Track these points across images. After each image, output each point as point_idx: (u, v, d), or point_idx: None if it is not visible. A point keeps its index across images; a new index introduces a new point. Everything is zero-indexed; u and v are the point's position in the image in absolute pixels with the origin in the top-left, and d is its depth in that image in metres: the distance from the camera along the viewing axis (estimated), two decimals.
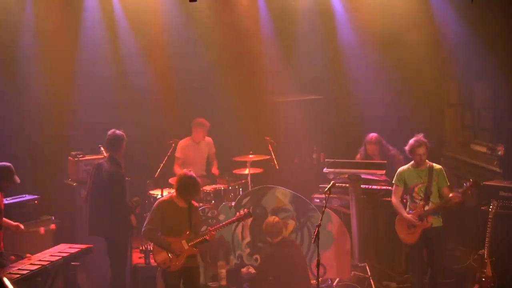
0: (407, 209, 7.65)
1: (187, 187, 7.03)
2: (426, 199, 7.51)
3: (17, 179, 7.24)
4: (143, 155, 9.90)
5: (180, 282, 7.09)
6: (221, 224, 7.56)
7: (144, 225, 7.05)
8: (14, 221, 7.49)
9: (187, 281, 7.12)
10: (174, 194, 7.13)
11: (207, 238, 7.13)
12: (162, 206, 7.06)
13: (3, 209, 7.27)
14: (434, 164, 7.58)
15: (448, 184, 7.58)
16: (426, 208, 7.51)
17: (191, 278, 7.14)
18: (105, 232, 7.75)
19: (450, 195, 7.43)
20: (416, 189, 7.57)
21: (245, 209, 7.81)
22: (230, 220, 7.61)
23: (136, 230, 8.03)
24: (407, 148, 7.60)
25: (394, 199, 7.73)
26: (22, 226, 7.47)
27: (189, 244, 7.02)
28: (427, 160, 7.58)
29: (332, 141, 10.49)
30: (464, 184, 7.50)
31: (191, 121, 9.84)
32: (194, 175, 7.21)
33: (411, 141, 7.55)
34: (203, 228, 8.60)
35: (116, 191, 7.65)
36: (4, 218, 7.38)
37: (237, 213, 7.78)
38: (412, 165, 7.64)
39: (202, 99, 10.48)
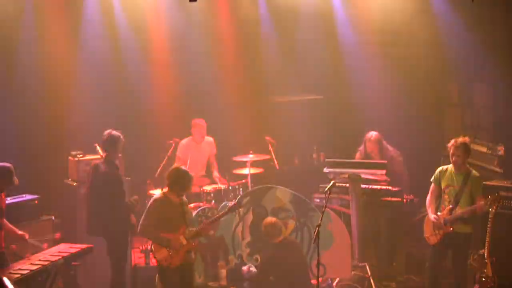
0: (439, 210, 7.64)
1: (180, 181, 7.08)
2: (455, 203, 7.45)
3: (16, 180, 7.21)
4: (143, 155, 9.91)
5: (177, 279, 7.11)
6: (214, 217, 7.55)
7: (140, 223, 7.08)
8: (14, 221, 7.49)
9: (184, 277, 7.16)
10: (167, 190, 7.17)
11: (203, 230, 7.21)
12: (157, 203, 7.09)
13: (4, 209, 7.27)
14: (473, 171, 7.47)
15: (481, 194, 7.42)
16: (453, 212, 7.45)
17: (188, 274, 7.20)
18: (104, 233, 7.76)
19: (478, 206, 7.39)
20: (447, 191, 7.52)
21: (234, 201, 7.79)
22: (222, 213, 7.61)
23: (136, 229, 8.03)
24: (449, 144, 7.55)
25: (428, 197, 7.70)
26: (26, 236, 7.45)
27: (187, 239, 7.04)
28: (468, 166, 7.49)
29: (332, 141, 10.49)
30: (489, 196, 7.46)
31: (191, 121, 9.84)
32: (185, 168, 7.26)
33: (453, 139, 7.50)
34: None
35: (113, 192, 7.65)
36: (10, 225, 7.38)
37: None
38: (452, 166, 7.57)
39: (202, 99, 10.49)
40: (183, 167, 7.32)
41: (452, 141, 7.47)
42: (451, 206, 7.47)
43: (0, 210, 7.17)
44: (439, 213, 7.57)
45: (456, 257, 7.53)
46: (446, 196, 7.55)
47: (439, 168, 7.68)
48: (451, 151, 7.47)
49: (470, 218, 7.43)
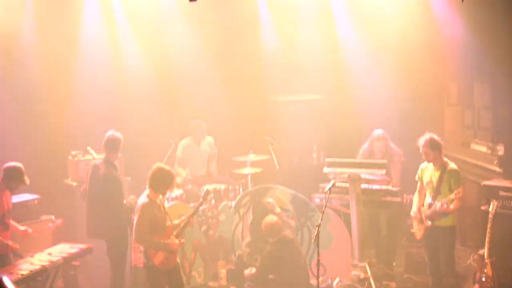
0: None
1: (165, 180, 6.98)
2: (434, 198, 7.52)
3: (27, 180, 7.26)
4: (143, 155, 9.90)
5: (167, 280, 7.10)
6: (193, 210, 7.47)
7: (136, 231, 6.92)
8: (15, 221, 7.49)
9: (175, 277, 7.16)
10: (150, 191, 6.99)
11: (190, 224, 7.26)
12: (147, 208, 6.92)
13: (11, 209, 7.29)
14: (450, 165, 7.49)
15: (461, 186, 7.42)
16: (432, 207, 7.52)
17: (178, 274, 7.20)
18: (103, 234, 7.76)
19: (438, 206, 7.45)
20: (427, 186, 7.60)
21: (204, 192, 7.76)
22: (198, 204, 7.53)
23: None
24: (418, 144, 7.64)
25: (415, 193, 7.81)
26: (29, 231, 7.47)
27: (178, 238, 7.06)
28: (444, 159, 7.53)
29: (332, 141, 10.49)
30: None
31: (191, 121, 9.84)
32: (165, 165, 7.20)
33: (420, 138, 7.56)
34: (203, 228, 8.65)
35: (112, 193, 7.65)
36: (12, 221, 7.40)
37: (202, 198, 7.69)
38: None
39: (202, 98, 10.49)
40: (166, 166, 7.22)
41: (418, 142, 7.52)
42: (430, 201, 7.52)
43: (8, 210, 7.21)
44: (422, 209, 7.64)
45: (439, 250, 7.56)
46: (428, 192, 7.63)
47: (420, 166, 7.76)
48: (420, 151, 7.53)
49: (449, 212, 7.44)
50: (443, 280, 7.61)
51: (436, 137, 7.52)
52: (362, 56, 10.26)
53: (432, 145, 7.46)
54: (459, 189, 7.33)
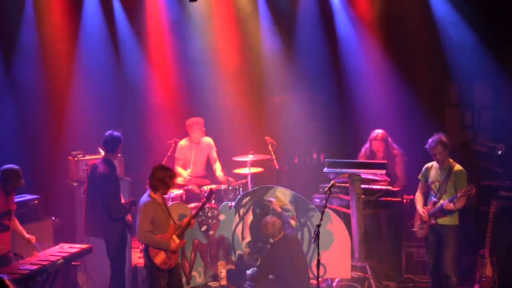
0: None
1: (164, 180, 7.00)
2: (439, 197, 7.55)
3: (23, 183, 7.26)
4: (143, 155, 9.90)
5: (167, 280, 7.12)
6: (196, 211, 7.50)
7: (139, 230, 6.95)
8: (22, 227, 7.51)
9: (175, 279, 7.18)
10: (151, 191, 7.04)
11: (190, 226, 7.25)
12: (149, 207, 6.97)
13: (12, 210, 7.30)
14: (456, 165, 7.58)
15: (469, 184, 7.47)
16: (436, 206, 7.55)
17: (178, 274, 7.24)
18: (100, 233, 7.75)
19: (444, 204, 7.47)
20: (432, 186, 7.64)
21: (207, 191, 7.76)
22: (200, 204, 7.58)
23: (133, 230, 8.02)
24: (426, 146, 7.65)
25: (416, 193, 7.84)
26: (33, 240, 7.48)
27: (178, 237, 7.07)
28: (450, 160, 7.59)
29: (332, 141, 10.49)
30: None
31: (188, 120, 9.80)
32: (165, 165, 7.21)
33: (429, 139, 7.59)
34: (204, 228, 8.65)
35: (109, 192, 7.64)
36: (19, 226, 7.45)
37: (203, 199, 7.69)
38: (436, 162, 7.71)
39: (202, 99, 10.49)
40: (166, 166, 7.27)
41: (430, 143, 7.55)
42: (434, 199, 7.55)
43: (9, 211, 7.22)
44: (426, 207, 7.66)
45: (443, 249, 7.56)
46: (432, 191, 7.68)
47: (425, 165, 7.80)
48: (431, 151, 7.59)
49: (453, 211, 7.47)
50: (443, 280, 7.61)
51: (444, 136, 7.57)
52: (362, 56, 10.25)
53: (444, 144, 7.52)
54: (468, 187, 7.35)
